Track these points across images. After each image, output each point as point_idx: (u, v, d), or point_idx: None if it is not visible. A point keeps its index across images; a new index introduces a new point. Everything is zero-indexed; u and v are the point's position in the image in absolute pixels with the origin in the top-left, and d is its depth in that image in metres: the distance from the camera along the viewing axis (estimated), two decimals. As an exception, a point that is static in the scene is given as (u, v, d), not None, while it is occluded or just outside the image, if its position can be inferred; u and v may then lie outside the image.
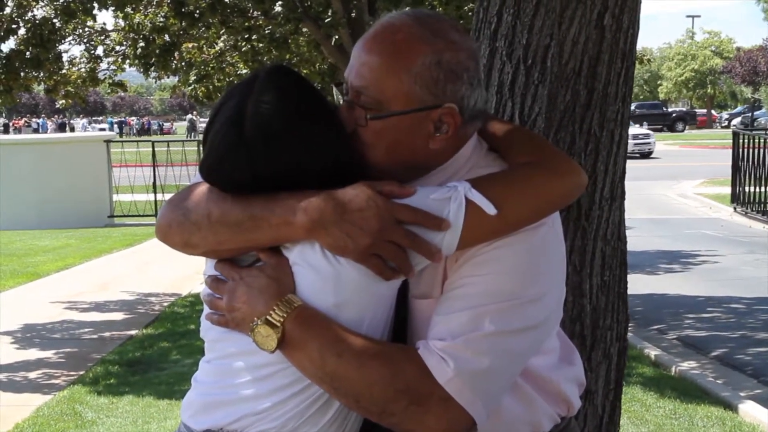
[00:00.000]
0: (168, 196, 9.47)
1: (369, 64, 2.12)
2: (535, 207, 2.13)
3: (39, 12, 12.65)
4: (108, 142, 24.36)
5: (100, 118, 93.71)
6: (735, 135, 24.79)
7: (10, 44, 12.77)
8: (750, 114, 59.42)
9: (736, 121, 58.96)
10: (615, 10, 2.73)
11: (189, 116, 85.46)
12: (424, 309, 2.16)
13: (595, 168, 2.84)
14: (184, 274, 14.65)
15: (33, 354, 10.01)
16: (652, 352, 9.84)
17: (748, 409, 7.73)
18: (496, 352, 2.06)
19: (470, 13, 10.62)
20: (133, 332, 10.96)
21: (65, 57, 13.78)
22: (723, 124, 72.78)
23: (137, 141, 29.16)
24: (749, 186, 22.59)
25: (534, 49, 2.74)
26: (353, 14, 10.78)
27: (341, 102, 2.17)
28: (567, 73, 2.75)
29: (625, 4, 2.75)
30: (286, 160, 2.07)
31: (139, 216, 22.84)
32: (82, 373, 9.18)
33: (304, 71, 14.69)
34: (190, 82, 15.34)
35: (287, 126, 2.06)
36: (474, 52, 2.22)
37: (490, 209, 2.00)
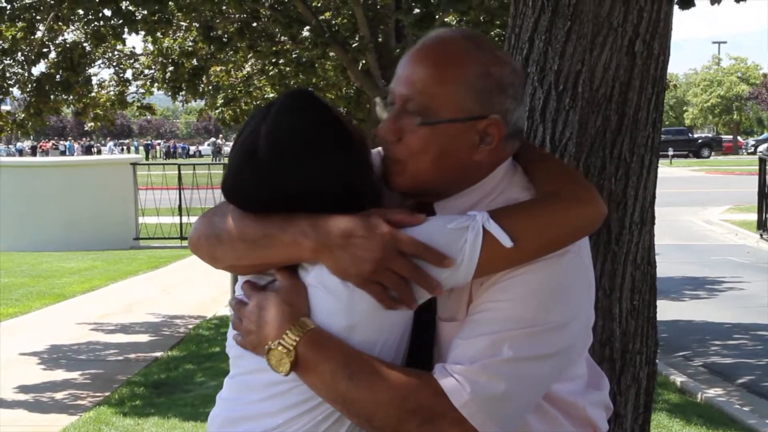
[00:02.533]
0: (193, 219, 9.58)
1: (419, 73, 2.13)
2: (554, 238, 2.12)
3: (69, 36, 12.77)
4: (134, 164, 24.42)
5: (127, 141, 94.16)
6: (761, 161, 24.65)
7: (40, 68, 12.89)
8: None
9: (763, 147, 58.36)
10: (646, 36, 2.74)
11: (212, 139, 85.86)
12: (450, 331, 2.16)
13: (625, 193, 2.84)
14: (209, 296, 14.70)
15: (59, 375, 10.05)
16: (678, 379, 9.80)
17: (716, 396, 7.72)
18: (514, 377, 2.06)
19: (496, 39, 10.67)
20: (158, 354, 10.99)
21: (95, 80, 13.89)
22: (749, 151, 72.29)
23: (163, 164, 29.24)
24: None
25: (565, 74, 2.76)
26: (380, 39, 10.83)
27: (384, 113, 2.17)
28: (598, 98, 2.76)
29: (656, 31, 2.76)
30: (298, 181, 2.09)
31: (165, 239, 22.90)
32: (107, 394, 9.21)
33: (330, 96, 14.75)
34: (218, 105, 15.43)
35: (300, 148, 2.08)
36: (518, 70, 2.24)
37: (507, 242, 2.00)
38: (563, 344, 2.13)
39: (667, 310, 13.27)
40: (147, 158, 51.24)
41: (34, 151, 76.91)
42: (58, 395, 9.22)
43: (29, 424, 8.21)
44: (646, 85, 2.79)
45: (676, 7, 10.91)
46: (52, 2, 10.56)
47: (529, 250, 2.06)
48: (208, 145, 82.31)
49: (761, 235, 23.23)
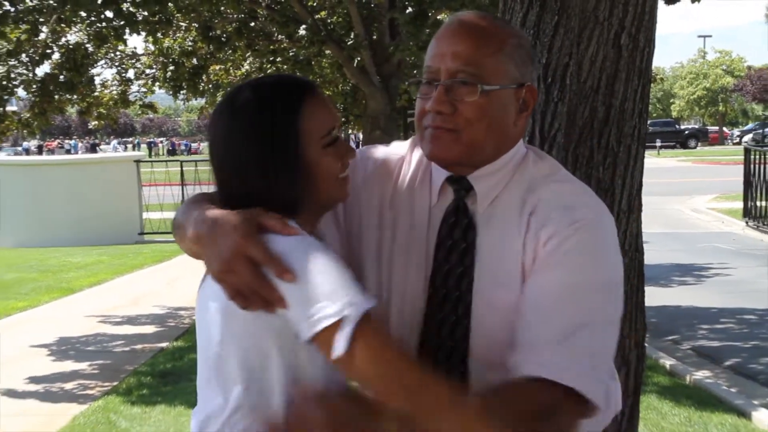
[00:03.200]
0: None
1: (464, 47, 2.14)
2: (394, 388, 1.96)
3: (72, 37, 12.75)
4: (138, 162, 24.41)
5: (130, 139, 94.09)
6: (746, 151, 24.68)
7: (44, 68, 12.87)
8: (761, 131, 59.14)
9: (748, 137, 58.63)
10: (631, 29, 2.76)
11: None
12: (498, 300, 2.16)
13: (612, 181, 2.85)
14: (212, 288, 14.67)
15: (68, 366, 10.06)
16: (667, 362, 9.82)
17: (762, 417, 7.72)
18: (597, 345, 2.11)
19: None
20: (164, 344, 11.00)
21: (97, 80, 13.88)
22: (734, 141, 72.31)
23: (166, 161, 29.23)
24: (761, 201, 22.48)
25: (553, 67, 2.77)
26: (375, 37, 10.83)
27: (424, 92, 2.19)
28: (585, 90, 2.77)
29: (642, 24, 2.77)
30: (222, 179, 2.14)
31: (168, 233, 22.47)
32: (115, 383, 9.22)
33: (328, 92, 14.74)
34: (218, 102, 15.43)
35: (223, 146, 2.11)
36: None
37: (338, 350, 1.87)
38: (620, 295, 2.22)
39: (655, 296, 13.29)
40: (150, 155, 51.17)
41: (40, 150, 76.92)
42: (68, 385, 9.24)
43: (40, 414, 8.23)
44: (632, 77, 2.80)
45: (661, 2, 10.93)
46: (55, 5, 10.53)
47: (360, 371, 1.94)
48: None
49: (747, 223, 23.24)
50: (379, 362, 1.89)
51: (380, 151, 2.48)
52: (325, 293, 1.89)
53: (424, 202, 2.29)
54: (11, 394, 8.88)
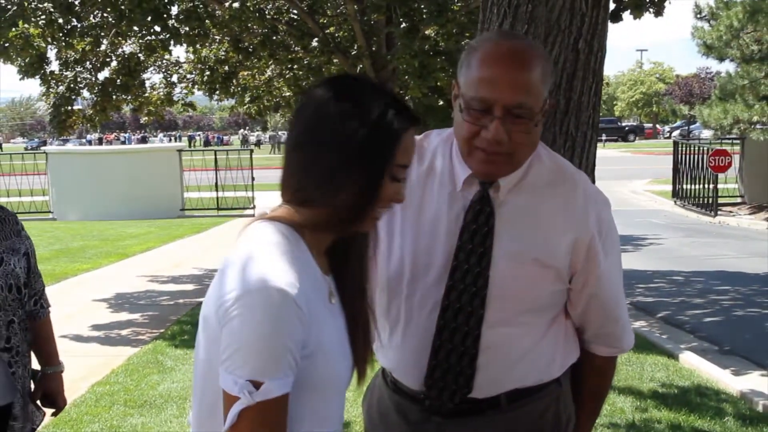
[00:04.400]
0: (228, 194, 9.63)
1: (516, 76, 2.03)
2: None
3: (127, 48, 12.72)
4: (180, 151, 24.38)
5: (174, 132, 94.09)
6: (675, 144, 24.76)
7: (104, 74, 12.84)
8: (686, 127, 59.08)
9: (676, 132, 58.57)
10: (587, 36, 2.72)
11: (241, 131, 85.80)
12: (512, 274, 2.17)
13: (571, 161, 2.74)
14: (241, 254, 14.72)
15: (124, 317, 10.06)
16: (611, 314, 9.82)
17: (687, 358, 7.75)
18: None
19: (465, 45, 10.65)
20: (201, 299, 10.97)
21: (147, 83, 13.83)
22: (665, 136, 72.28)
23: (203, 150, 29.20)
24: (686, 184, 22.57)
25: None
26: (374, 48, 10.77)
27: (474, 121, 2.08)
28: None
29: (595, 32, 2.74)
30: (296, 166, 1.75)
31: (205, 209, 22.95)
32: (162, 330, 9.23)
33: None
34: (245, 102, 15.39)
35: (315, 141, 1.71)
36: None
37: (226, 424, 1.57)
38: None
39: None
40: (189, 146, 51.07)
41: (100, 142, 76.86)
42: (123, 332, 9.24)
43: (101, 354, 8.24)
44: (587, 75, 2.77)
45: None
46: (113, 21, 10.52)
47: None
48: (239, 135, 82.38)
49: (675, 202, 23.32)
50: None
51: None
52: (243, 353, 1.55)
53: (447, 189, 2.20)
54: (77, 339, 8.88)
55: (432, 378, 2.17)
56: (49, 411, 3.39)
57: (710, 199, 21.29)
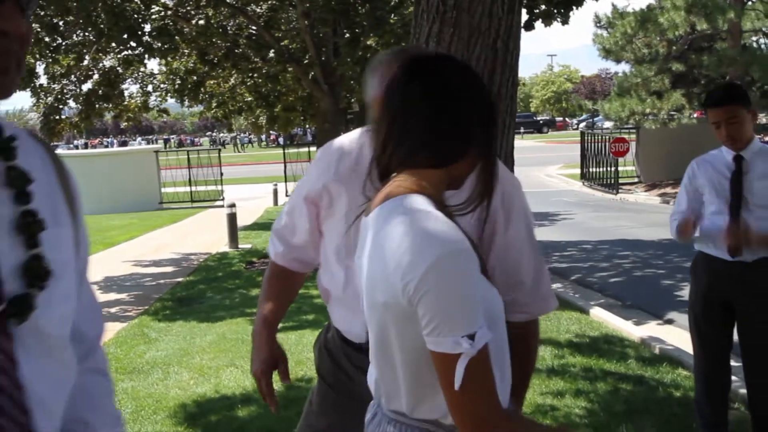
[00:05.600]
0: (200, 188, 9.53)
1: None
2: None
3: (107, 62, 12.48)
4: (156, 152, 24.14)
5: (150, 136, 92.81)
6: (582, 134, 25.08)
7: (87, 85, 12.60)
8: (591, 119, 59.79)
9: (583, 124, 59.17)
10: (504, 37, 2.72)
11: (209, 133, 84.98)
12: None
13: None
14: (213, 239, 14.60)
15: (112, 296, 9.93)
16: (532, 279, 9.92)
17: (596, 312, 7.85)
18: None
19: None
20: (179, 279, 10.89)
21: (126, 93, 13.60)
22: (574, 127, 72.95)
23: (176, 150, 28.83)
24: (592, 168, 22.89)
25: None
26: (323, 57, 10.71)
27: None
28: None
29: (510, 34, 2.73)
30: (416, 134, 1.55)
31: (180, 202, 22.74)
32: (146, 307, 9.12)
33: (290, 98, 14.59)
34: (212, 108, 15.24)
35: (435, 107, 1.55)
36: None
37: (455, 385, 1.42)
38: None
39: (523, 234, 13.38)
40: (165, 148, 50.25)
41: (86, 146, 75.43)
42: (112, 310, 9.11)
43: (93, 330, 8.13)
44: (505, 71, 2.78)
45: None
46: (94, 39, 10.33)
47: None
48: (209, 138, 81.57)
49: (583, 183, 23.61)
50: (481, 404, 1.44)
51: (348, 147, 2.27)
52: (452, 315, 1.41)
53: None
54: (72, 317, 8.75)
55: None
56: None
57: (612, 180, 21.66)
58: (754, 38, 23.48)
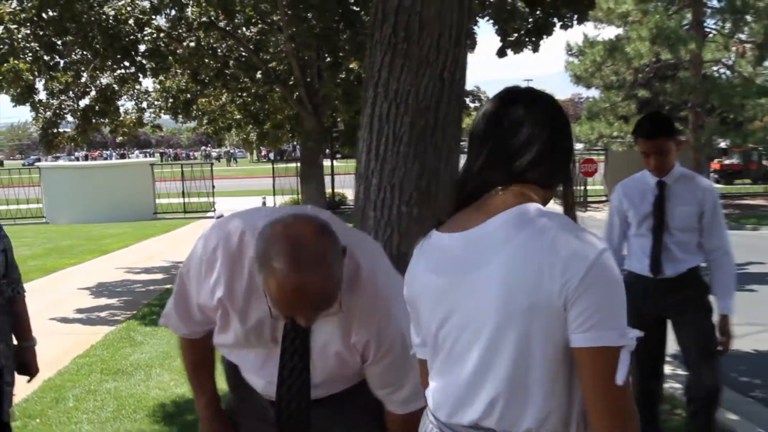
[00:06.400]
0: (193, 200, 9.55)
1: (316, 311, 1.79)
2: None
3: (104, 80, 12.49)
4: (152, 165, 24.14)
5: (148, 150, 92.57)
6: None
7: (85, 101, 12.60)
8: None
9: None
10: (450, 68, 2.76)
11: (203, 148, 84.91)
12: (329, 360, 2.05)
13: (439, 166, 2.82)
14: (203, 248, 14.60)
15: (103, 301, 9.89)
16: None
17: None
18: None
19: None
20: (168, 286, 10.86)
21: (122, 109, 13.59)
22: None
23: (171, 164, 28.79)
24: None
25: (401, 93, 2.77)
26: (308, 79, 10.79)
27: None
28: (422, 108, 2.76)
29: (457, 64, 2.77)
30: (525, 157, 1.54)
31: (174, 212, 22.67)
32: (135, 312, 9.09)
33: (279, 116, 14.65)
34: (204, 124, 15.27)
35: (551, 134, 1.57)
36: None
37: (618, 380, 1.37)
38: None
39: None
40: (161, 161, 50.15)
41: (86, 158, 75.12)
42: (102, 314, 9.08)
43: (83, 333, 8.09)
44: (451, 99, 2.80)
45: (494, 54, 10.85)
46: (91, 58, 10.34)
47: None
48: (201, 152, 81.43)
49: (554, 201, 23.64)
50: (632, 398, 1.40)
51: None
52: (616, 313, 1.37)
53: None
54: (63, 321, 8.71)
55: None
56: (24, 378, 3.36)
57: (582, 198, 21.81)
58: (714, 68, 23.79)
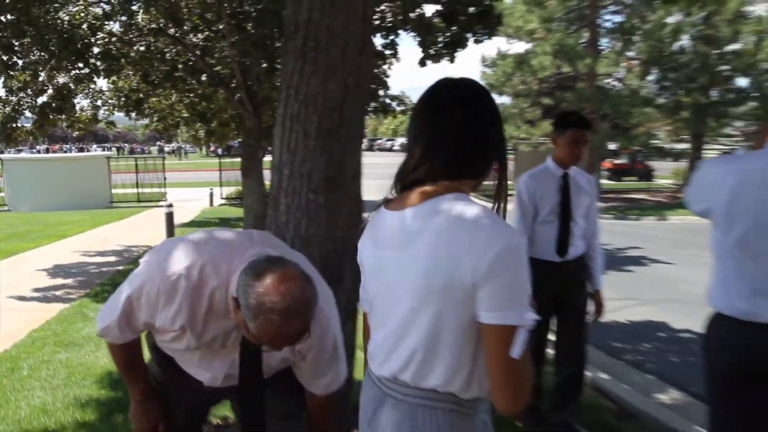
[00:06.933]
0: (147, 190, 9.40)
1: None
2: None
3: (61, 79, 12.12)
4: (108, 158, 23.54)
5: (106, 144, 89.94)
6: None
7: (43, 98, 12.21)
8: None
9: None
10: (355, 74, 2.78)
11: (158, 143, 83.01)
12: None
13: (343, 160, 2.85)
14: (153, 235, 14.34)
15: (59, 281, 9.66)
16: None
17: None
18: None
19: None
20: (120, 267, 10.68)
21: (77, 106, 13.19)
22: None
23: (126, 157, 28.13)
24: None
25: (310, 96, 2.77)
26: (249, 82, 10.70)
27: None
28: (328, 109, 2.77)
29: (361, 72, 2.79)
30: (445, 151, 1.55)
31: (128, 201, 22.17)
32: (88, 291, 8.93)
33: (225, 115, 14.44)
34: (154, 121, 14.96)
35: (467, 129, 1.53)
36: None
37: (513, 354, 1.42)
38: None
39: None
40: (117, 155, 48.78)
41: (47, 152, 72.57)
42: (58, 293, 8.89)
43: (40, 310, 7.91)
44: (355, 102, 2.81)
45: (417, 63, 10.88)
46: (48, 58, 10.03)
47: None
48: (157, 147, 79.61)
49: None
50: (526, 370, 1.44)
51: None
52: (517, 295, 1.39)
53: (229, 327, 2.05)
54: (21, 299, 8.49)
55: None
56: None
57: (493, 192, 22.07)
58: (606, 80, 24.47)
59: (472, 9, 9.32)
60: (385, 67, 12.72)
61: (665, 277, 9.73)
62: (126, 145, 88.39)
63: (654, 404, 4.77)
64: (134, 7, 9.71)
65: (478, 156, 1.52)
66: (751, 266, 2.24)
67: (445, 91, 1.54)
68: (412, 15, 9.78)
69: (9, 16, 8.71)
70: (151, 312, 2.06)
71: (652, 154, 26.23)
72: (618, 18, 24.26)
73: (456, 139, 1.49)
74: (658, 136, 25.76)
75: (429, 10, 10.42)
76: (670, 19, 21.93)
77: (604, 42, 24.10)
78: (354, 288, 2.94)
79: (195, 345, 2.07)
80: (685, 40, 22.98)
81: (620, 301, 7.84)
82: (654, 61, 22.53)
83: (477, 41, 10.08)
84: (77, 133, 15.14)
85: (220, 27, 9.82)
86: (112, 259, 11.68)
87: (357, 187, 2.95)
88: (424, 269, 1.44)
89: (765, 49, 20.65)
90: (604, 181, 26.93)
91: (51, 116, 12.00)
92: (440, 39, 10.24)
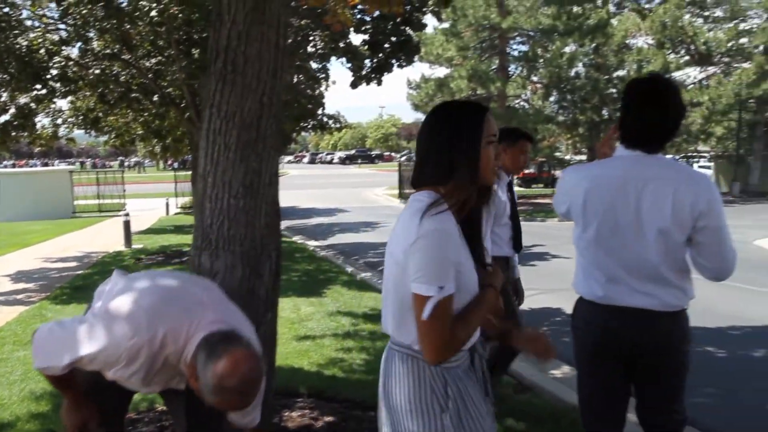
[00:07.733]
0: (108, 201, 9.09)
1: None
2: None
3: (22, 99, 11.65)
4: (71, 172, 22.88)
5: (70, 159, 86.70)
6: (399, 165, 25.72)
7: (5, 117, 11.71)
8: (409, 154, 61.44)
9: (403, 158, 60.69)
10: (269, 94, 2.74)
11: (120, 158, 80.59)
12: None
13: (260, 168, 2.80)
14: (111, 242, 13.92)
15: (21, 286, 9.28)
16: (349, 268, 10.09)
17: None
18: None
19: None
20: (80, 272, 10.31)
21: (39, 124, 12.70)
22: (398, 160, 74.51)
23: (88, 171, 27.22)
24: (407, 189, 23.52)
25: (230, 112, 2.73)
26: (197, 102, 10.53)
27: None
28: (247, 124, 2.74)
29: (273, 91, 2.76)
30: (428, 160, 1.79)
31: (90, 212, 21.47)
32: (48, 294, 8.59)
33: (178, 132, 14.14)
34: (112, 138, 14.53)
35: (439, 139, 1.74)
36: None
37: (423, 316, 1.65)
38: None
39: (352, 238, 13.66)
40: (81, 169, 47.14)
41: (14, 166, 69.40)
42: (19, 296, 8.53)
43: (2, 312, 7.57)
44: (270, 117, 2.77)
45: (347, 84, 10.90)
46: (9, 80, 9.64)
47: None
48: (118, 161, 77.19)
49: (400, 200, 24.22)
50: (440, 334, 1.63)
51: None
52: (429, 272, 1.60)
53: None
54: (-17, 302, 8.12)
55: None
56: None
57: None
58: (515, 101, 25.05)
59: (393, 39, 9.39)
60: (322, 89, 12.70)
61: (563, 270, 10.03)
62: (89, 160, 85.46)
63: (547, 379, 4.90)
64: (90, 34, 9.42)
65: (442, 165, 1.72)
66: (605, 258, 2.34)
67: (437, 108, 1.81)
68: (341, 44, 9.80)
69: (-31, 42, 8.34)
70: (105, 368, 2.05)
71: (556, 164, 26.97)
72: (524, 47, 24.89)
73: (429, 150, 1.76)
74: (560, 148, 26.54)
75: (356, 39, 10.46)
76: (567, 49, 22.63)
77: (512, 68, 24.68)
78: (272, 281, 2.96)
79: (139, 386, 2.12)
80: (579, 67, 23.76)
81: (526, 291, 8.03)
82: (554, 84, 23.19)
83: (400, 66, 10.16)
84: (38, 148, 14.57)
85: (171, 52, 9.62)
86: (73, 264, 11.28)
87: (273, 193, 2.94)
88: (392, 246, 1.72)
89: (645, 75, 21.53)
90: (516, 188, 27.61)
91: (13, 134, 11.52)
92: (368, 64, 10.28)
